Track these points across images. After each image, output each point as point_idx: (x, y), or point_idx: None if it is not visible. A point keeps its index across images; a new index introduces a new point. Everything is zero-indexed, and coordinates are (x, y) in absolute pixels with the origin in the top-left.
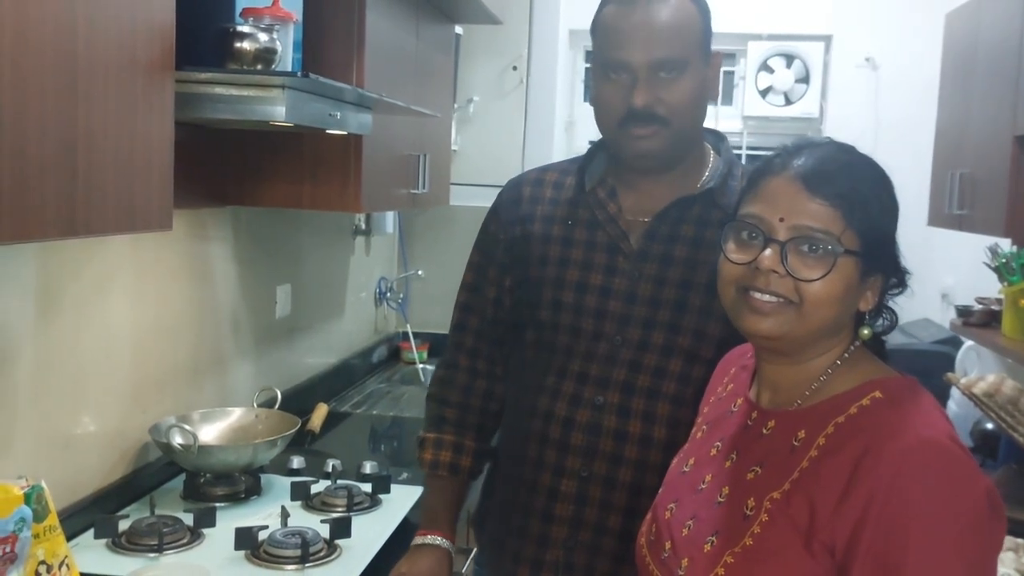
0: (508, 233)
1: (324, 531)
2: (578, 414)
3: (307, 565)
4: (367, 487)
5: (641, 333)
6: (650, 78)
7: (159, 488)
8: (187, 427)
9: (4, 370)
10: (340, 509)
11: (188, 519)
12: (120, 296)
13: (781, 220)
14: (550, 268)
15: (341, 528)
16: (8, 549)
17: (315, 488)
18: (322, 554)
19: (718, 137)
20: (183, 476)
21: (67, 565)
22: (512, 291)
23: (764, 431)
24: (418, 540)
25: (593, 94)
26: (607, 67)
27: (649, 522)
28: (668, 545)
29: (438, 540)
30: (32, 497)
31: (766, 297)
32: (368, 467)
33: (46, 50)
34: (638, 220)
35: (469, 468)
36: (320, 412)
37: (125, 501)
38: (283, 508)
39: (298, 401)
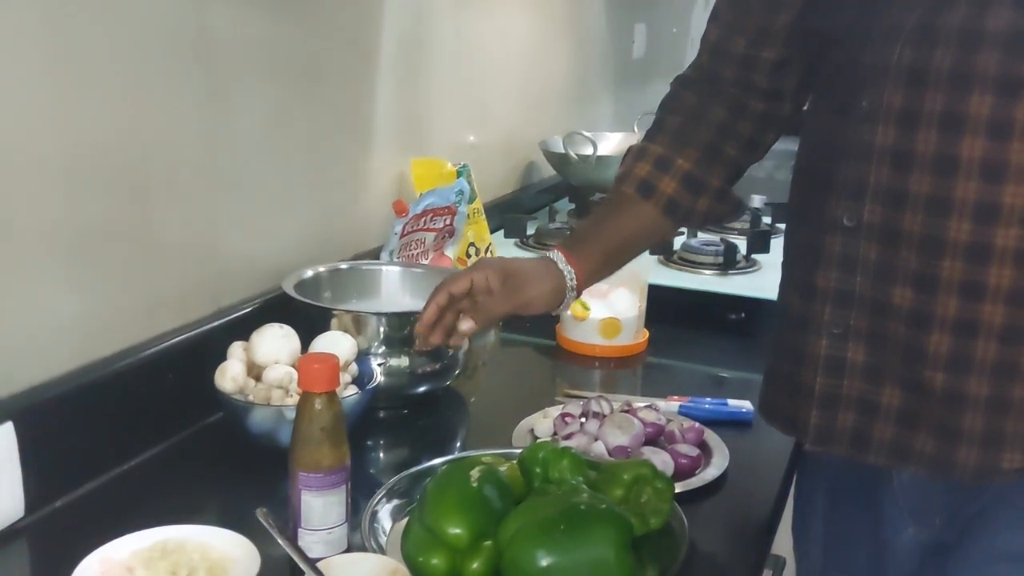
0: None
1: (742, 245)
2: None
3: (730, 272)
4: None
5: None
6: None
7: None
8: (587, 133)
9: (431, 65)
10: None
11: None
12: (509, 12)
13: None
14: None
15: (759, 242)
16: (448, 221)
17: None
18: (741, 264)
19: None
20: (566, 199)
21: (491, 252)
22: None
23: None
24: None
25: None
26: None
27: None
28: None
29: (561, 261)
30: (464, 174)
31: None
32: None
33: None
34: None
35: (668, 197)
36: None
37: (522, 212)
38: None
39: None
